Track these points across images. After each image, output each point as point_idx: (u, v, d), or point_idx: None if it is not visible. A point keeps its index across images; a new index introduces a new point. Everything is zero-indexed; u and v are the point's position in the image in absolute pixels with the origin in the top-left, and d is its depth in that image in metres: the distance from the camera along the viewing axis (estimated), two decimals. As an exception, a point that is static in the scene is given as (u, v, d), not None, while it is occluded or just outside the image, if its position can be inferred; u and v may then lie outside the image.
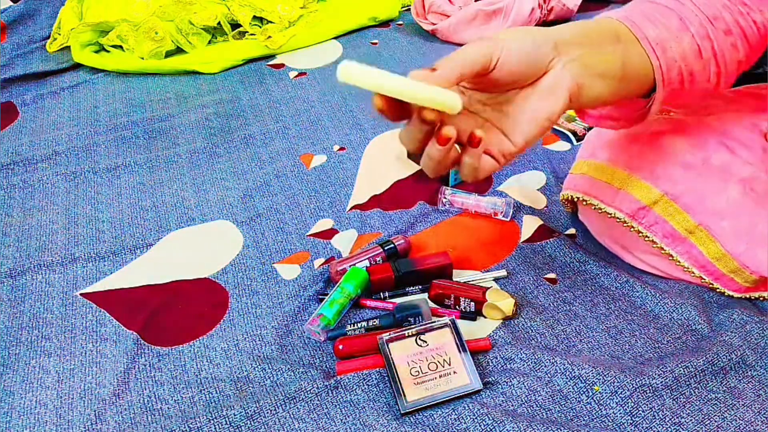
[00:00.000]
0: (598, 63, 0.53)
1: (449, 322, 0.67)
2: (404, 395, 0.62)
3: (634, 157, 0.69)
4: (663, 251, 0.70)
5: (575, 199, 0.73)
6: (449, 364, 0.64)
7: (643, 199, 0.68)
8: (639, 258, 0.74)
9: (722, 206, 0.66)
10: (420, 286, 0.74)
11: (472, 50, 0.49)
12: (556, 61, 0.51)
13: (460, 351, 0.65)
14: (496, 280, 0.76)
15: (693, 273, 0.70)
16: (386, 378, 0.64)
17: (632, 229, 0.70)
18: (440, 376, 0.63)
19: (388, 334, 0.66)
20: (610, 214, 0.70)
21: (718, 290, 0.71)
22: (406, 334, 0.66)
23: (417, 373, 0.63)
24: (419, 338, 0.66)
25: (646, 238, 0.70)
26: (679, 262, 0.70)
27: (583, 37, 0.54)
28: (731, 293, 0.70)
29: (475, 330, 0.70)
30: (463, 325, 0.69)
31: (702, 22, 0.60)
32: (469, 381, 0.63)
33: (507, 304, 0.70)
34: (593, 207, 0.71)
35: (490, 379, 0.64)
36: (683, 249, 0.69)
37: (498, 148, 0.51)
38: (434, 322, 0.68)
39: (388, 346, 0.65)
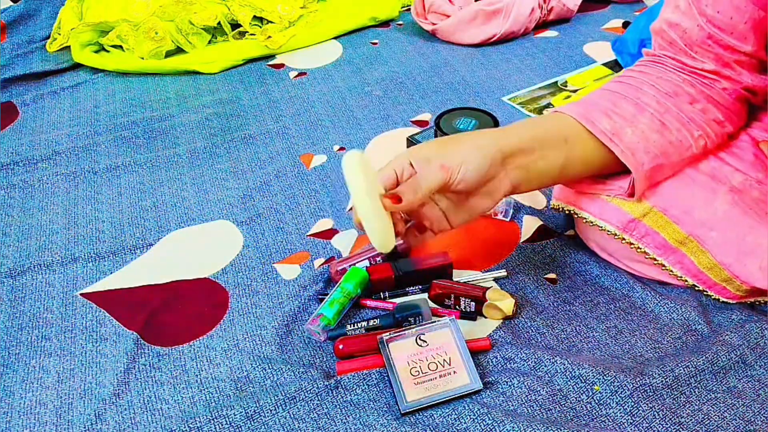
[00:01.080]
0: (537, 168, 0.63)
1: (449, 322, 0.67)
2: (404, 395, 0.62)
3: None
4: (655, 261, 0.70)
5: (566, 212, 0.73)
6: (449, 364, 0.64)
7: (633, 212, 0.68)
8: (629, 266, 0.74)
9: (711, 217, 0.67)
10: (420, 286, 0.74)
11: (433, 178, 0.59)
12: (501, 172, 0.62)
13: (460, 351, 0.65)
14: (496, 280, 0.76)
15: (686, 282, 0.70)
16: (386, 378, 0.64)
17: (623, 241, 0.70)
18: (440, 376, 0.63)
19: (388, 334, 0.66)
20: (601, 227, 0.70)
21: (712, 297, 0.71)
22: (406, 334, 0.66)
23: (417, 373, 0.64)
24: (419, 338, 0.66)
25: (638, 250, 0.70)
26: (671, 271, 0.70)
27: (532, 142, 0.63)
28: (726, 300, 0.70)
29: (475, 330, 0.70)
30: (463, 325, 0.69)
31: (660, 100, 0.66)
32: (469, 381, 0.63)
33: (507, 304, 0.70)
34: (584, 220, 0.71)
35: (490, 379, 0.64)
36: (675, 259, 0.69)
37: (437, 225, 0.64)
38: (434, 322, 0.68)
39: (388, 346, 0.66)
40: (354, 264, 0.76)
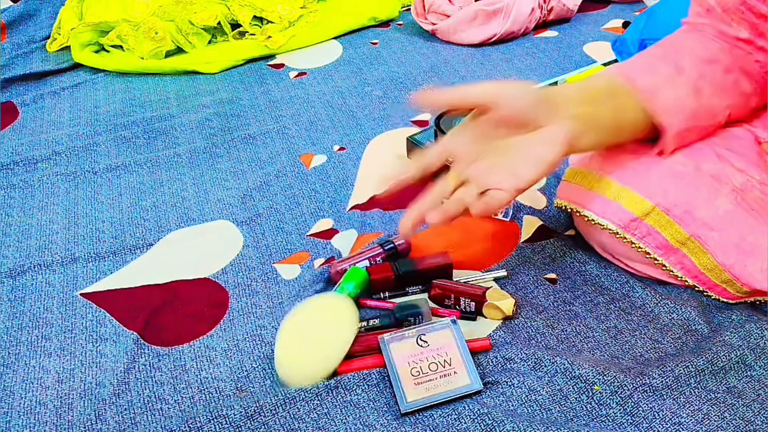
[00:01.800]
0: (593, 119, 0.63)
1: (450, 323, 0.67)
2: (404, 395, 0.62)
3: (627, 167, 0.69)
4: (656, 261, 0.70)
5: (569, 210, 0.73)
6: (450, 365, 0.64)
7: (635, 211, 0.68)
8: (630, 267, 0.74)
9: (712, 216, 0.67)
10: (420, 286, 0.74)
11: (480, 87, 0.60)
12: (555, 117, 0.61)
13: (460, 351, 0.65)
14: (496, 280, 0.76)
15: (686, 282, 0.70)
16: (386, 378, 0.64)
17: (625, 240, 0.70)
18: (441, 377, 0.63)
19: (388, 334, 0.66)
20: (603, 225, 0.70)
21: (712, 298, 0.71)
22: (407, 335, 0.66)
23: (417, 374, 0.64)
24: (420, 338, 0.66)
25: (639, 249, 0.70)
26: (672, 271, 0.70)
27: (582, 95, 0.64)
28: (726, 300, 0.70)
29: (475, 330, 0.70)
30: (463, 325, 0.69)
31: (697, 65, 0.67)
32: (469, 381, 0.63)
33: (507, 304, 0.70)
34: (586, 219, 0.71)
35: (490, 379, 0.64)
36: (676, 259, 0.69)
37: (507, 184, 0.60)
38: (435, 322, 0.68)
39: (388, 346, 0.66)
40: (354, 264, 0.76)
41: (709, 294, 0.71)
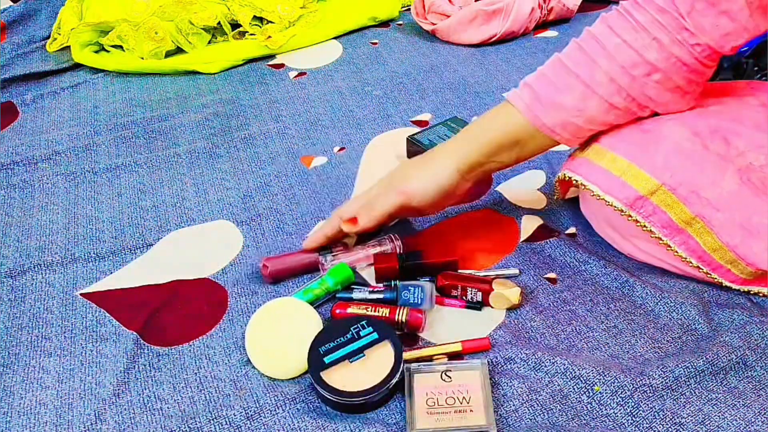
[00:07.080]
0: (492, 169, 0.75)
1: (480, 366, 0.64)
2: (414, 422, 0.60)
3: (635, 144, 0.69)
4: (661, 241, 0.70)
5: (574, 182, 0.72)
6: (468, 402, 0.62)
7: (641, 189, 0.68)
8: (638, 247, 0.74)
9: (718, 197, 0.66)
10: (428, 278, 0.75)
11: (387, 204, 0.73)
12: (461, 181, 0.73)
13: (484, 394, 0.62)
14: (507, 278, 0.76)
15: (691, 263, 0.70)
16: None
17: (630, 219, 0.69)
18: (455, 412, 0.61)
19: (416, 363, 0.65)
20: (608, 202, 0.70)
21: (716, 281, 0.71)
22: (435, 368, 0.65)
23: (432, 404, 0.62)
24: (445, 374, 0.64)
25: (644, 228, 0.69)
26: (676, 252, 0.70)
27: (489, 151, 0.72)
28: (729, 284, 0.70)
29: (475, 330, 0.70)
30: (465, 318, 0.69)
31: (614, 77, 0.66)
32: (485, 423, 0.60)
33: (513, 292, 0.70)
34: (591, 193, 0.71)
35: (490, 379, 0.64)
36: (680, 240, 0.69)
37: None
38: (467, 361, 0.66)
39: (413, 376, 0.64)
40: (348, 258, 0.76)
41: (712, 276, 0.70)
